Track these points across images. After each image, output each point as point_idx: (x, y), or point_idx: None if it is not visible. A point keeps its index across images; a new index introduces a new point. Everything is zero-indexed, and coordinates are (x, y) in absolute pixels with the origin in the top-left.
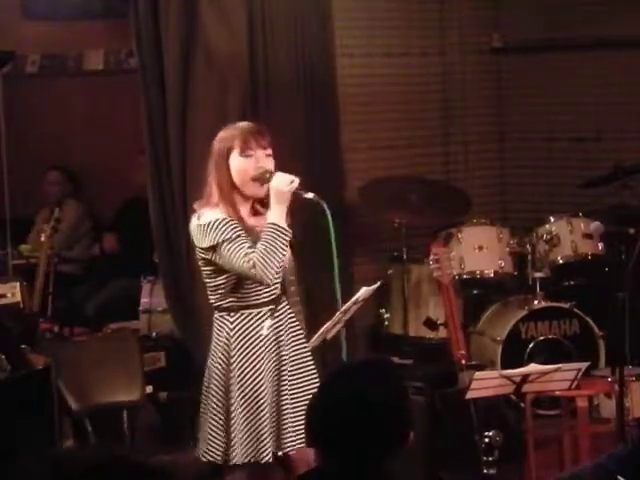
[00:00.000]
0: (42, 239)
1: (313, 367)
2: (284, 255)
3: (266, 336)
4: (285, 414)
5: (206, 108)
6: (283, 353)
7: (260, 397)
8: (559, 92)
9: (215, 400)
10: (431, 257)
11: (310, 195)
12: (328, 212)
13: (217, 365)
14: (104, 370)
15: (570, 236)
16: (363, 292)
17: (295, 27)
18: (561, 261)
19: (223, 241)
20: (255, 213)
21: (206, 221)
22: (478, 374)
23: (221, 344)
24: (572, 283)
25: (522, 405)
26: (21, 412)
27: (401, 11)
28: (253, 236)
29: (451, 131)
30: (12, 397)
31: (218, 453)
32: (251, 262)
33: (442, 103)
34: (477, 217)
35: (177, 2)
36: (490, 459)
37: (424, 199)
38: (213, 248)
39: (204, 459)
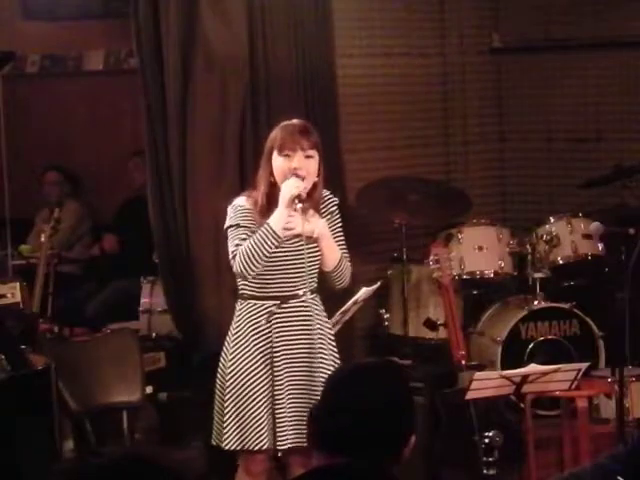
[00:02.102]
0: (42, 239)
1: (324, 371)
2: (267, 254)
3: (261, 330)
4: (280, 411)
5: (206, 108)
6: (276, 350)
7: (251, 387)
8: (559, 92)
9: (217, 386)
10: (431, 257)
11: (298, 206)
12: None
13: (223, 351)
14: (104, 370)
15: (570, 236)
16: (363, 292)
17: (295, 27)
18: (561, 261)
19: (226, 228)
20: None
21: (229, 205)
22: (478, 374)
23: (229, 331)
24: (572, 283)
25: (522, 405)
26: (21, 412)
27: (401, 11)
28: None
29: (451, 131)
30: (12, 397)
31: (216, 437)
32: (234, 253)
33: (442, 103)
34: (477, 217)
35: (177, 2)
36: (490, 459)
37: (424, 199)
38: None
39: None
